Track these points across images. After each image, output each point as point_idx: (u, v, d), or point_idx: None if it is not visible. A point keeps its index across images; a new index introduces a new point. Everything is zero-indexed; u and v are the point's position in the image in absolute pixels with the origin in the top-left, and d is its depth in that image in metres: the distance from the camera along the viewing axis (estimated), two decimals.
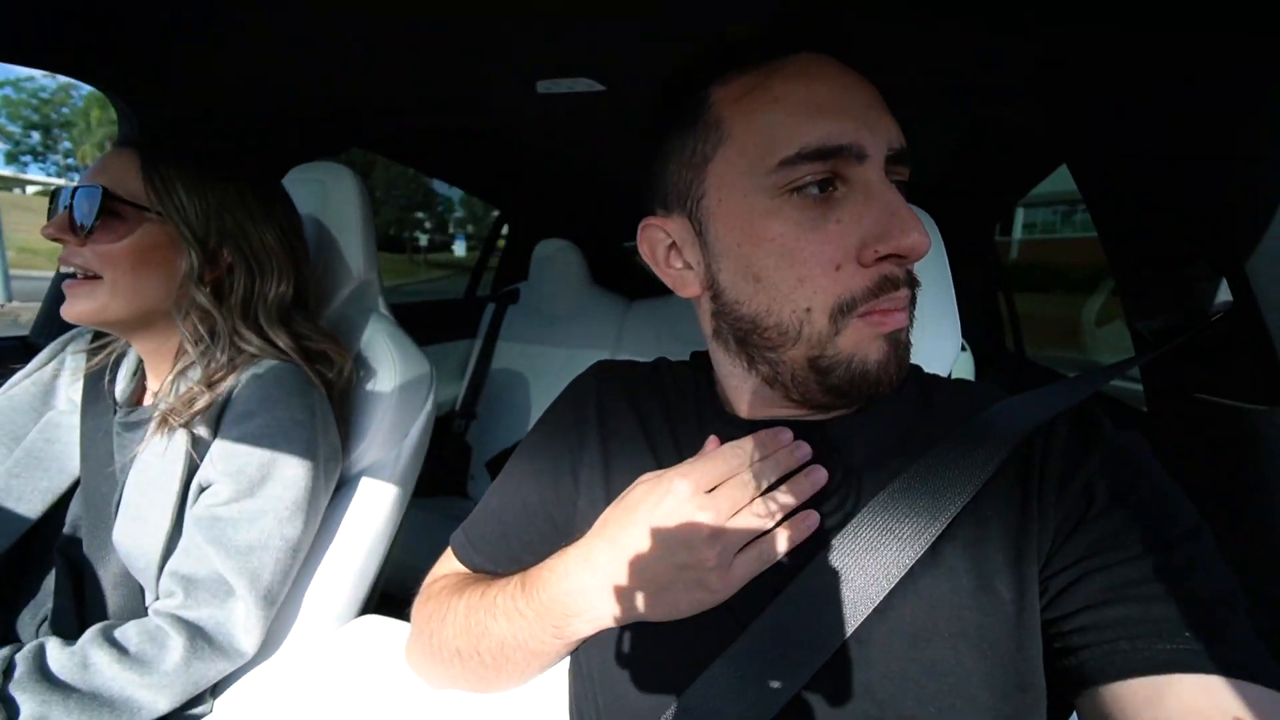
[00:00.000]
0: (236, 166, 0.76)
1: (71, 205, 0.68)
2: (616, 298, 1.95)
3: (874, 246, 0.42)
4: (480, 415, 1.96)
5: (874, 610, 0.43)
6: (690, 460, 0.47)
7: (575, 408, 0.60)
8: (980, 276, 1.95)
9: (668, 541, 0.44)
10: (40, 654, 0.61)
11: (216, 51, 0.92)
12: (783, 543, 0.45)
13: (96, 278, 0.69)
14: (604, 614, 0.46)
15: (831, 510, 0.47)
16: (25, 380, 0.81)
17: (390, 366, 0.90)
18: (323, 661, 0.78)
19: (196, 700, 0.74)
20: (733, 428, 0.51)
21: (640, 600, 0.45)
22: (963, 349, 1.53)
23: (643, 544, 0.45)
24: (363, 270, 0.94)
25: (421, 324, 0.98)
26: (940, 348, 0.78)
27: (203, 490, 0.70)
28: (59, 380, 0.81)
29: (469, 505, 1.86)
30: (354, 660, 0.75)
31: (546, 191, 2.02)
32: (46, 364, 0.82)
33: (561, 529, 0.55)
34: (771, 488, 0.47)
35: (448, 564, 0.63)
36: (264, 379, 0.73)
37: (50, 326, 1.04)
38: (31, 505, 0.73)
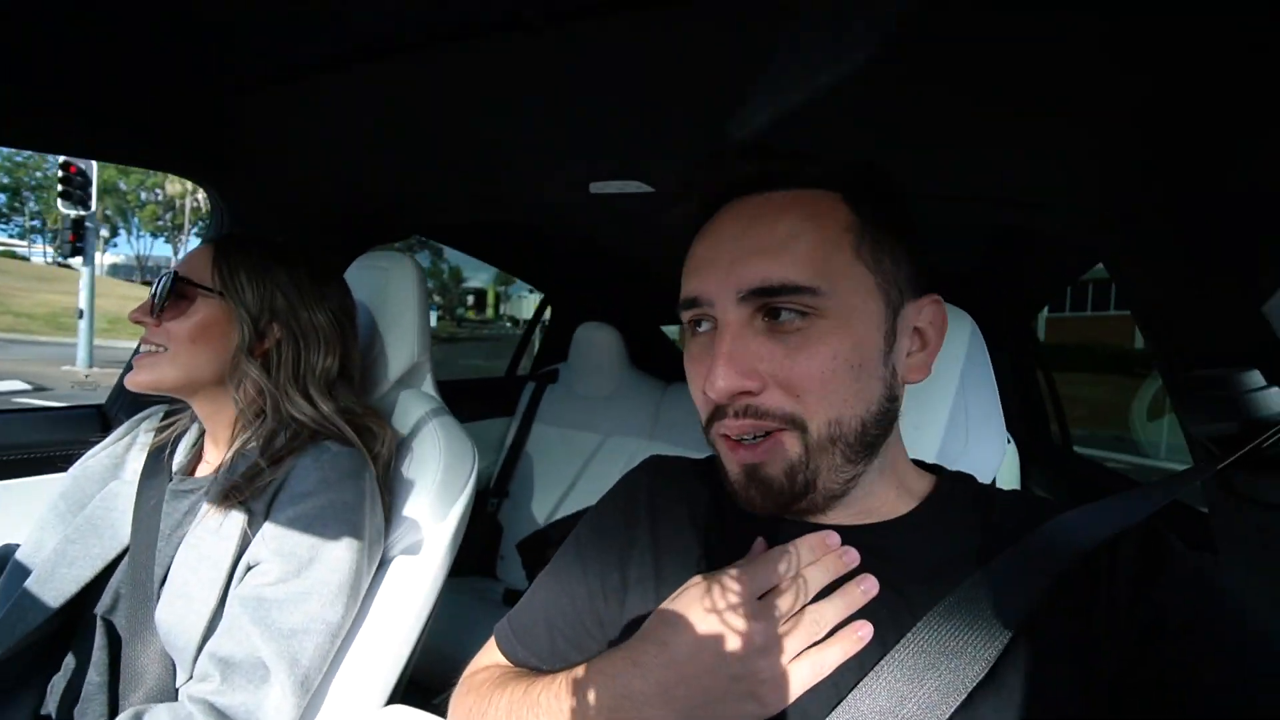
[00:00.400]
0: (296, 255, 0.84)
1: (155, 292, 0.77)
2: (653, 381, 1.97)
3: None
4: (513, 494, 1.96)
5: None
6: (741, 563, 0.47)
7: (626, 504, 0.60)
8: (1022, 367, 1.92)
9: (720, 651, 0.43)
10: None
11: (297, 159, 1.03)
12: (836, 654, 0.44)
13: (162, 350, 0.76)
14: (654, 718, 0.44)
15: (882, 621, 0.46)
16: (101, 453, 0.85)
17: (435, 448, 0.92)
18: None
19: None
20: (781, 529, 0.51)
21: (691, 710, 0.43)
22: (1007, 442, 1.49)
23: (694, 651, 0.44)
24: (416, 353, 0.98)
25: (462, 400, 1.01)
26: (987, 447, 0.77)
27: (249, 569, 0.71)
28: (129, 453, 0.86)
29: (498, 586, 1.83)
30: None
31: (589, 277, 2.10)
32: (122, 439, 0.87)
33: (609, 628, 0.55)
34: (822, 595, 0.46)
35: (490, 655, 0.62)
36: (321, 461, 0.75)
37: (123, 397, 1.11)
38: (81, 570, 0.75)
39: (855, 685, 0.44)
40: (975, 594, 0.44)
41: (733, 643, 0.43)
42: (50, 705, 0.72)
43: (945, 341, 0.63)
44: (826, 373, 0.45)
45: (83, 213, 9.19)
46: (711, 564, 0.52)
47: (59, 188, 8.74)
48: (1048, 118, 0.66)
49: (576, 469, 1.87)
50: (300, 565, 0.70)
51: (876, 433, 0.48)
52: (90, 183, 8.92)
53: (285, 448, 0.76)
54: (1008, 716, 0.41)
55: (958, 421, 0.72)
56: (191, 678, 0.68)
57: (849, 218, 0.48)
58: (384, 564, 0.88)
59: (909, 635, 0.44)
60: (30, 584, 0.72)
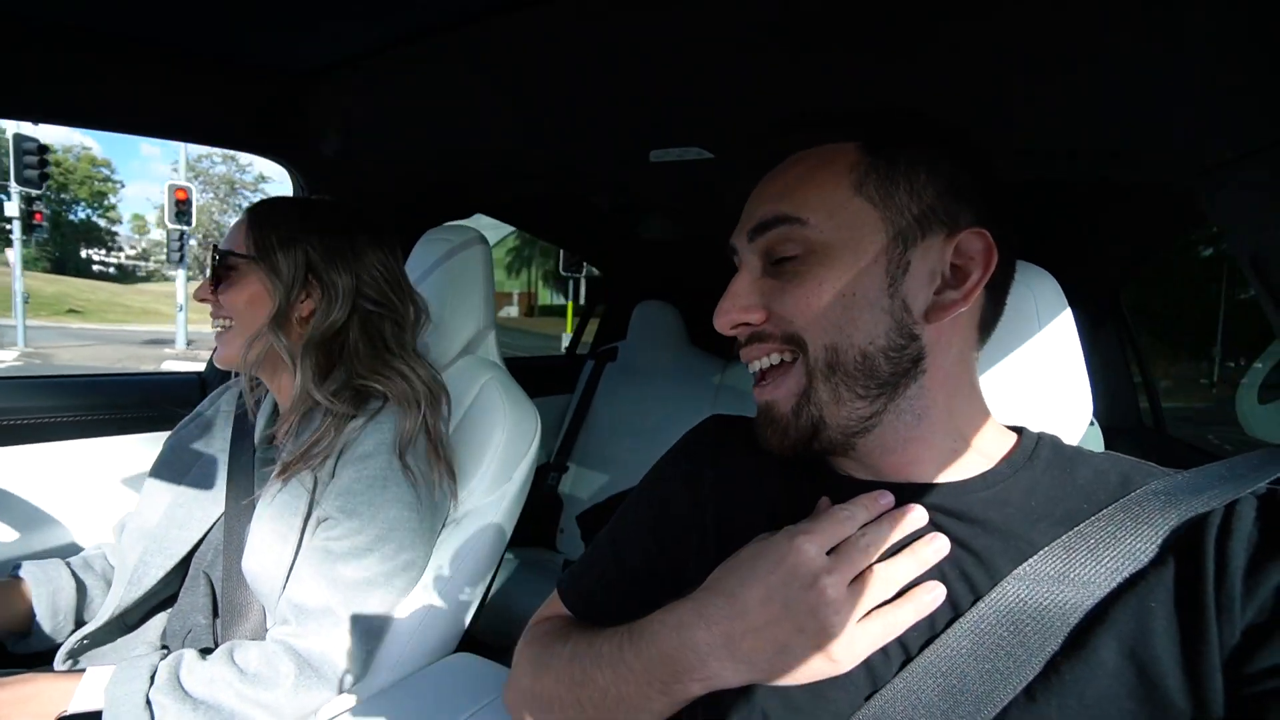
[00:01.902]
0: (332, 215, 0.85)
1: (209, 270, 0.81)
2: (713, 357, 1.96)
3: None
4: (573, 469, 2.00)
5: (1012, 702, 0.39)
6: (809, 520, 0.46)
7: (688, 461, 0.60)
8: (1108, 340, 1.79)
9: (789, 602, 0.42)
10: (177, 666, 0.67)
11: (368, 138, 1.07)
12: (908, 614, 0.43)
13: (229, 325, 0.81)
14: (717, 674, 0.44)
15: (955, 583, 0.44)
16: (192, 423, 0.92)
17: (501, 413, 0.95)
18: (419, 694, 0.81)
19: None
20: (843, 487, 0.50)
21: (757, 662, 0.43)
22: (1090, 422, 1.39)
23: (761, 602, 0.43)
24: (481, 322, 1.01)
25: (522, 378, 1.04)
26: (1067, 416, 0.73)
27: (320, 523, 0.76)
28: (215, 423, 0.92)
29: (557, 558, 1.88)
30: (448, 694, 0.77)
31: (647, 254, 2.10)
32: (208, 409, 0.94)
33: (670, 582, 0.55)
34: (893, 555, 0.45)
35: (553, 608, 0.63)
36: (381, 425, 0.79)
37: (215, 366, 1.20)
38: (189, 532, 0.82)
39: (925, 646, 0.43)
40: (1062, 557, 0.42)
41: (802, 595, 0.42)
42: (169, 638, 0.80)
43: (1019, 300, 0.60)
44: (815, 301, 0.48)
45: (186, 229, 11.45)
46: (773, 521, 0.52)
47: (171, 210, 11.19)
48: (1147, 56, 0.61)
49: (636, 445, 1.89)
50: (361, 522, 0.74)
51: (889, 369, 0.47)
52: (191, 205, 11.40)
53: (343, 413, 0.78)
54: (1097, 687, 0.38)
55: (1032, 388, 0.68)
56: (275, 622, 0.74)
57: (856, 159, 0.49)
58: (452, 522, 0.92)
59: (985, 597, 0.42)
60: (150, 545, 0.80)
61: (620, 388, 2.01)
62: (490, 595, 1.03)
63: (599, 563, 0.61)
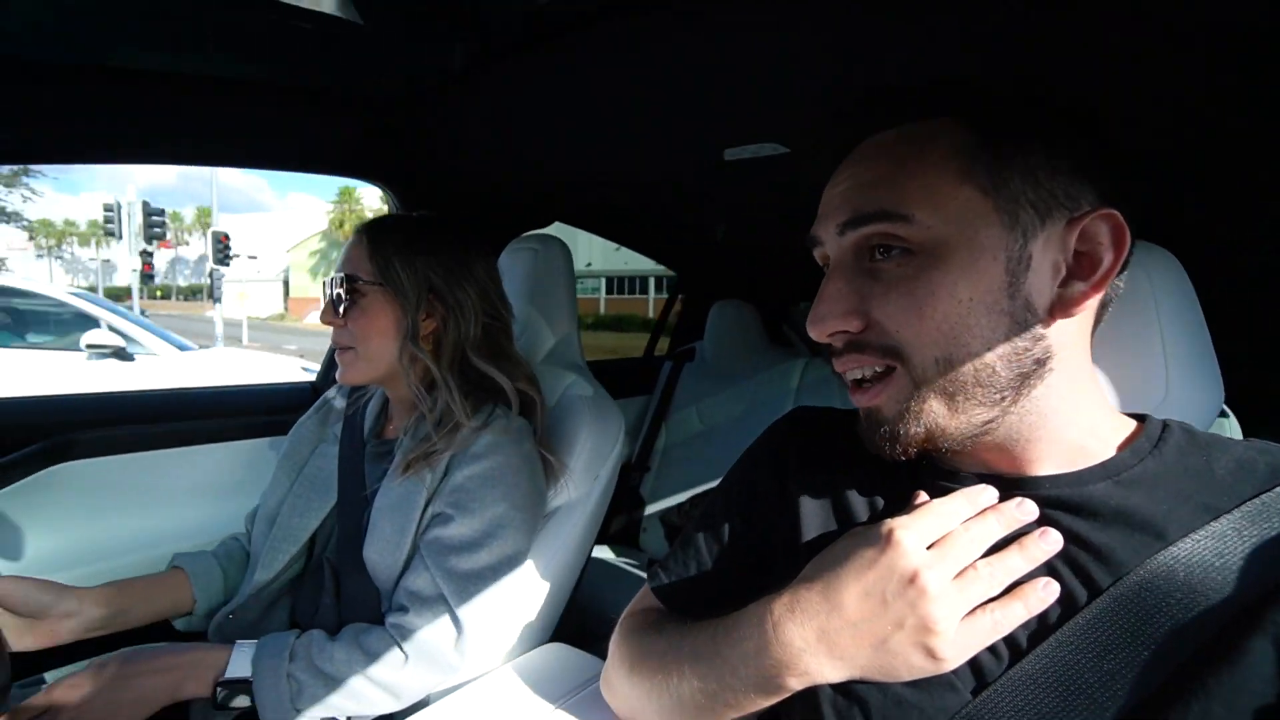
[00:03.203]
0: (441, 234, 0.89)
1: (332, 295, 0.86)
2: (793, 355, 1.92)
3: None
4: (655, 469, 2.02)
5: (1139, 705, 0.37)
6: (906, 514, 0.45)
7: (774, 454, 0.60)
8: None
9: (887, 597, 0.41)
10: (309, 645, 0.74)
11: (459, 158, 1.14)
12: (1018, 612, 0.41)
13: (354, 349, 0.85)
14: (814, 669, 0.43)
15: (1070, 580, 0.42)
16: (309, 420, 1.01)
17: (586, 413, 0.98)
18: (516, 681, 0.84)
19: (415, 707, 0.84)
20: (944, 481, 0.48)
21: (855, 659, 0.42)
22: (1223, 414, 1.26)
23: (859, 598, 0.42)
24: (566, 326, 1.05)
25: (602, 380, 1.06)
26: (1191, 403, 0.66)
27: (434, 518, 0.81)
28: (329, 419, 1.00)
29: (641, 556, 1.90)
30: (544, 681, 0.80)
31: (723, 254, 2.09)
32: (322, 408, 1.02)
33: (759, 575, 0.55)
34: (994, 550, 0.43)
35: (644, 601, 0.64)
36: (491, 427, 0.84)
37: (329, 373, 1.30)
38: (308, 520, 0.89)
39: (1037, 646, 0.41)
40: (1205, 550, 0.38)
41: (901, 590, 0.41)
42: (299, 615, 0.88)
43: (1136, 281, 0.55)
44: (925, 310, 0.43)
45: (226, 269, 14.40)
46: (866, 515, 0.51)
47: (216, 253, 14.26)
48: None
49: (716, 444, 1.89)
50: (472, 518, 0.80)
51: (1010, 374, 0.43)
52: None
53: (454, 418, 0.84)
54: (1249, 694, 0.35)
55: (1153, 377, 0.63)
56: (390, 607, 0.80)
57: (959, 140, 0.44)
58: (544, 518, 0.96)
59: (1107, 593, 0.40)
60: (275, 530, 0.89)
61: (699, 388, 2.01)
62: (578, 590, 1.06)
63: (688, 557, 0.61)
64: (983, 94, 0.46)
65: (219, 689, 0.70)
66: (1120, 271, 0.45)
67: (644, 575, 1.69)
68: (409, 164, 1.18)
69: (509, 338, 0.94)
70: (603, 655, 0.66)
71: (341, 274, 0.85)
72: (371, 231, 0.88)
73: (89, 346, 4.18)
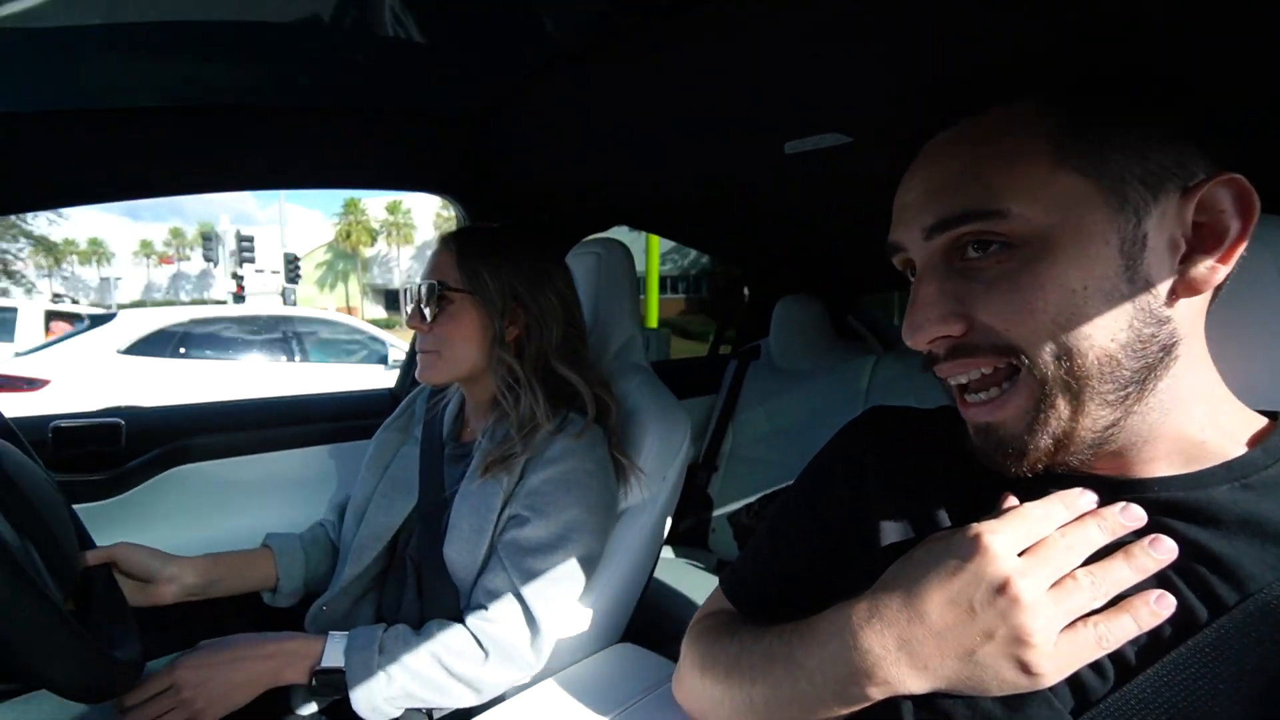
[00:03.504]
0: (522, 242, 0.93)
1: (420, 300, 0.89)
2: (863, 351, 1.86)
3: None
4: (722, 469, 2.00)
5: None
6: (995, 517, 0.42)
7: (848, 453, 0.58)
8: None
9: (975, 605, 0.39)
10: (396, 637, 0.78)
11: (526, 166, 1.16)
12: (1126, 627, 0.37)
13: (437, 352, 0.89)
14: (896, 679, 0.41)
15: (1186, 593, 0.38)
16: (393, 424, 1.06)
17: (652, 413, 0.98)
18: (588, 681, 0.86)
19: (492, 702, 0.87)
20: (1038, 482, 0.45)
21: (940, 670, 0.40)
22: None
23: (944, 605, 0.40)
24: (629, 328, 1.06)
25: (667, 380, 1.06)
26: None
27: (510, 520, 0.84)
28: (409, 423, 1.05)
29: (710, 557, 1.89)
30: (615, 681, 0.81)
31: (786, 248, 2.05)
32: (404, 412, 1.07)
33: (835, 577, 0.53)
34: (1095, 559, 0.40)
35: (717, 603, 0.64)
36: (566, 432, 0.86)
37: (405, 381, 1.37)
38: (391, 518, 0.94)
39: (1149, 667, 0.37)
40: None
41: (990, 598, 0.38)
42: (385, 610, 0.93)
43: (1257, 258, 0.50)
44: (1035, 304, 0.40)
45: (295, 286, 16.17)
46: (949, 518, 0.48)
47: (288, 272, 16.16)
48: None
49: (785, 444, 1.85)
50: (549, 521, 0.82)
51: (1136, 364, 0.40)
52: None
53: (535, 421, 0.87)
54: None
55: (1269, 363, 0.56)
56: (469, 605, 0.83)
57: (1046, 122, 0.41)
58: (612, 519, 0.97)
59: (1235, 610, 0.36)
60: (363, 528, 0.94)
61: (766, 386, 1.98)
62: (647, 590, 1.07)
63: (761, 559, 0.60)
64: (1066, 69, 0.43)
65: (314, 677, 0.75)
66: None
67: (713, 576, 1.69)
68: (475, 175, 1.22)
69: (584, 344, 0.96)
70: (673, 657, 0.66)
71: (429, 281, 0.89)
72: (459, 241, 0.91)
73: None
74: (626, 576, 0.96)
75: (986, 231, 0.42)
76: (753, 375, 2.03)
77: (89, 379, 4.29)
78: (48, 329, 6.29)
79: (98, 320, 4.75)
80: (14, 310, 6.36)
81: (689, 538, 1.96)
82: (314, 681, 0.75)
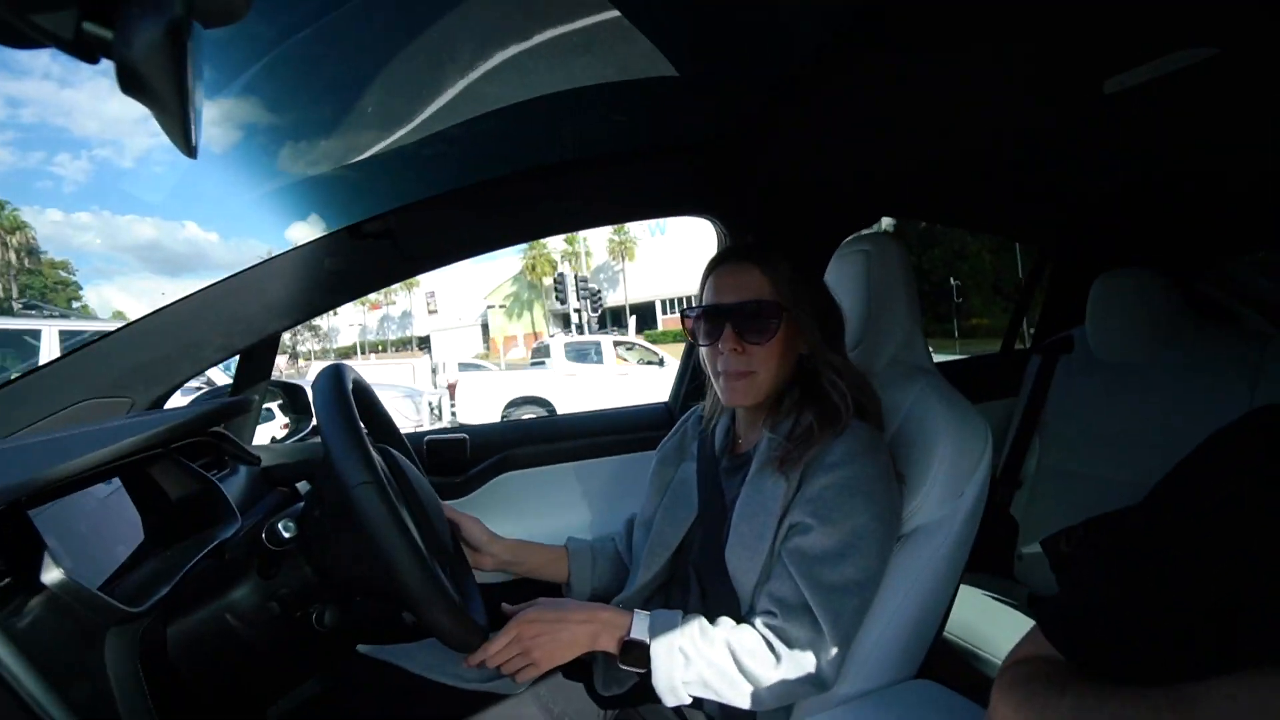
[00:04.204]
0: (810, 260, 0.93)
1: (735, 323, 0.87)
2: (1234, 333, 1.41)
3: None
4: (1029, 484, 1.69)
5: None
6: None
7: (1238, 468, 0.44)
8: None
9: None
10: (696, 623, 0.81)
11: (785, 177, 1.15)
12: None
13: (754, 373, 0.88)
14: None
15: None
16: (671, 441, 1.12)
17: (942, 421, 0.87)
18: (885, 715, 0.79)
19: (782, 711, 0.85)
20: None
21: None
22: None
23: None
24: (909, 327, 0.96)
25: (955, 382, 0.93)
26: None
27: (792, 527, 0.82)
28: (685, 439, 1.10)
29: (1019, 589, 1.61)
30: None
31: (1103, 215, 1.67)
32: (679, 431, 1.12)
33: (1219, 631, 0.41)
34: None
35: (1035, 645, 0.54)
36: (845, 437, 0.82)
37: (680, 390, 1.45)
38: (677, 529, 0.98)
39: None
40: None
41: None
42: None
43: None
44: None
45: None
46: None
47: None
48: None
49: (1114, 453, 1.49)
50: (834, 528, 0.78)
51: None
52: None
53: (819, 425, 0.84)
54: None
55: None
56: (753, 610, 0.83)
57: None
58: (902, 536, 0.88)
59: None
60: (652, 537, 1.00)
61: (1083, 386, 1.62)
62: (946, 622, 0.94)
63: (1097, 596, 0.49)
64: None
65: (622, 648, 0.82)
66: None
67: (1021, 613, 1.42)
68: (735, 194, 1.25)
69: (845, 345, 0.93)
70: (977, 699, 0.56)
71: (748, 300, 0.87)
72: (765, 261, 0.89)
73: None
74: (922, 602, 0.86)
75: None
76: (1065, 372, 1.68)
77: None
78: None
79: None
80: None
81: (990, 565, 1.69)
82: (622, 652, 0.81)
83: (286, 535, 0.73)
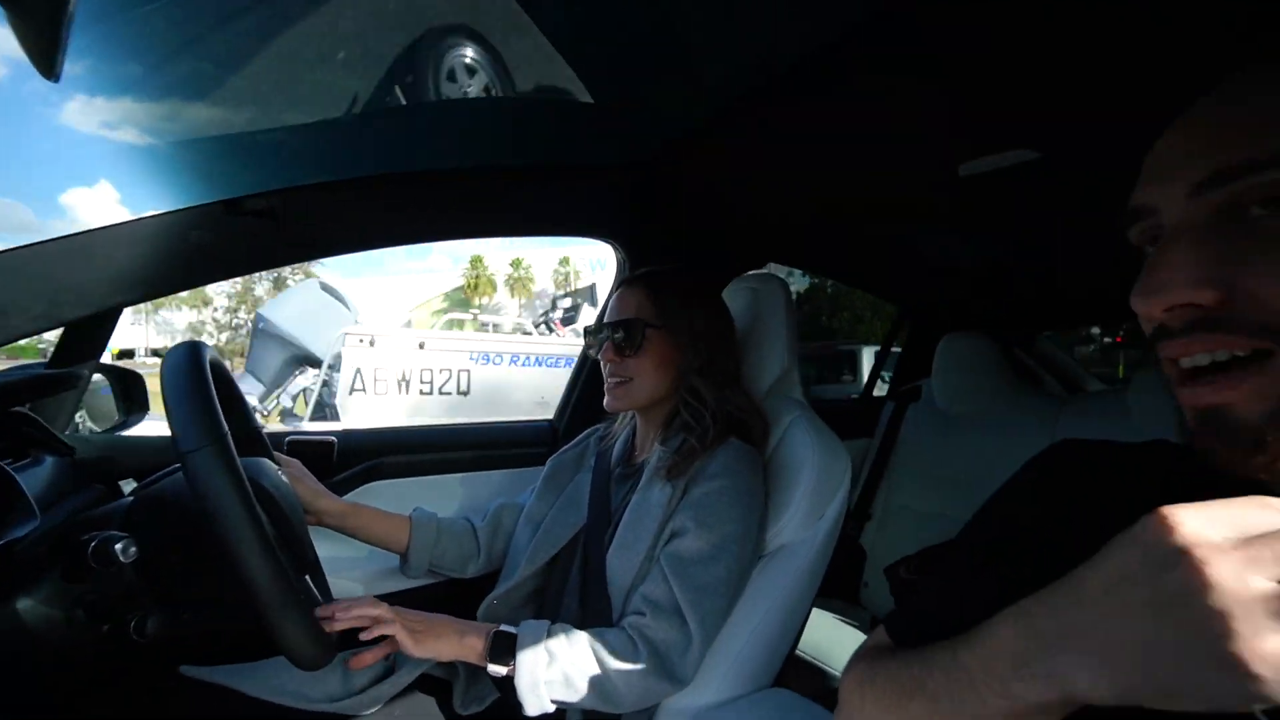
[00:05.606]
0: (702, 287, 1.01)
1: (614, 336, 0.96)
2: (1043, 396, 1.66)
3: None
4: (877, 518, 1.86)
5: None
6: (1205, 504, 0.32)
7: (1036, 491, 0.52)
8: None
9: (1153, 583, 0.31)
10: (562, 628, 0.82)
11: (687, 209, 1.21)
12: None
13: (630, 380, 0.96)
14: (1065, 673, 0.33)
15: None
16: (570, 451, 1.14)
17: (809, 450, 0.95)
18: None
19: (644, 714, 0.87)
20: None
21: (1116, 664, 0.32)
22: None
23: (1111, 584, 0.32)
24: (785, 362, 1.04)
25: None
26: None
27: (674, 534, 0.86)
28: (586, 452, 1.12)
29: (863, 614, 1.75)
30: None
31: (954, 281, 1.91)
32: (582, 442, 1.14)
33: None
34: None
35: (875, 640, 0.59)
36: (728, 451, 0.89)
37: (565, 414, 1.44)
38: (565, 531, 0.99)
39: None
40: None
41: (1167, 576, 0.30)
42: (546, 613, 0.97)
43: None
44: None
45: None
46: None
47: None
48: None
49: (950, 493, 1.69)
50: (710, 531, 0.84)
51: None
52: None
53: (707, 438, 0.91)
54: None
55: None
56: (624, 613, 0.85)
57: None
58: (765, 554, 0.94)
59: None
60: (539, 535, 1.00)
61: (928, 432, 1.83)
62: (798, 641, 1.01)
63: (930, 600, 0.55)
64: None
65: (491, 639, 0.80)
66: None
67: (865, 634, 1.55)
68: (638, 222, 1.29)
69: (740, 368, 1.02)
70: (831, 708, 0.61)
71: (625, 318, 0.97)
72: (651, 282, 1.00)
73: None
74: (780, 617, 0.92)
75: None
76: (913, 419, 1.88)
77: None
78: None
79: None
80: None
81: (839, 590, 1.83)
82: (490, 641, 0.80)
83: (124, 560, 0.63)
